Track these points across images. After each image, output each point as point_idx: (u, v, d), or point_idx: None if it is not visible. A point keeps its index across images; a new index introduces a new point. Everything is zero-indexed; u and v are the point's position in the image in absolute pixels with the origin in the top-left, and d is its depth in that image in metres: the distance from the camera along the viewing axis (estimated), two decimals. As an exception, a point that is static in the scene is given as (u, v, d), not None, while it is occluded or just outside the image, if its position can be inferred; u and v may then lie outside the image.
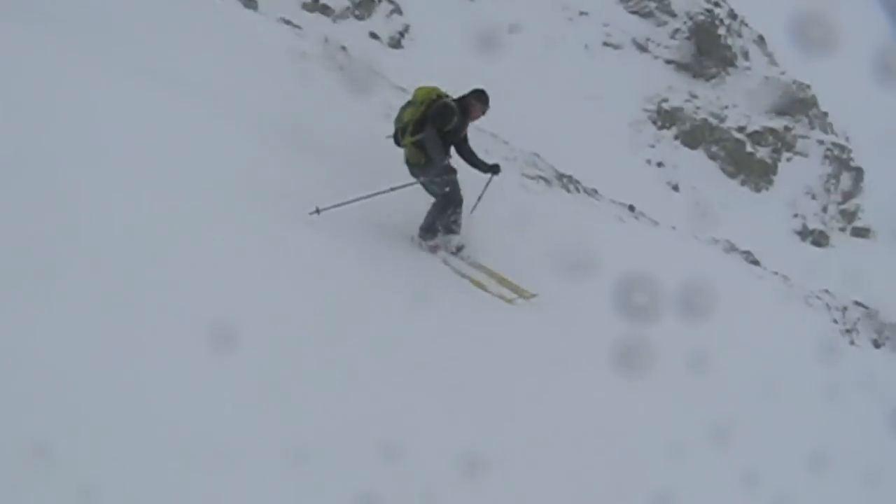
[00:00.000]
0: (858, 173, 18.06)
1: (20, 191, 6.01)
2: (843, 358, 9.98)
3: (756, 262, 12.68)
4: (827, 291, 12.38)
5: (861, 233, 16.28)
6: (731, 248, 12.88)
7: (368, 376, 7.25)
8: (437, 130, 7.49)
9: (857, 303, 12.43)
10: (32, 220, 5.87)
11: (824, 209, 16.35)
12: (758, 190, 16.88)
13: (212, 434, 5.07)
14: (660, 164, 19.03)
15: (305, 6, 19.60)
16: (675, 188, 17.39)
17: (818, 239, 15.78)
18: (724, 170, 18.08)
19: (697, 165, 18.56)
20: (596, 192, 13.86)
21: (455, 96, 7.63)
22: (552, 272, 8.50)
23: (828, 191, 17.31)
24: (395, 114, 8.03)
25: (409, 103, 7.89)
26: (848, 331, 11.56)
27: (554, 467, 6.59)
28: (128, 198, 6.64)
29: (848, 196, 17.48)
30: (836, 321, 11.56)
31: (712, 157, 18.53)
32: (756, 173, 17.68)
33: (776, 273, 12.48)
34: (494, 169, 7.90)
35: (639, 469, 6.63)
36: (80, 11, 9.15)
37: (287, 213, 7.76)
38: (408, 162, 7.84)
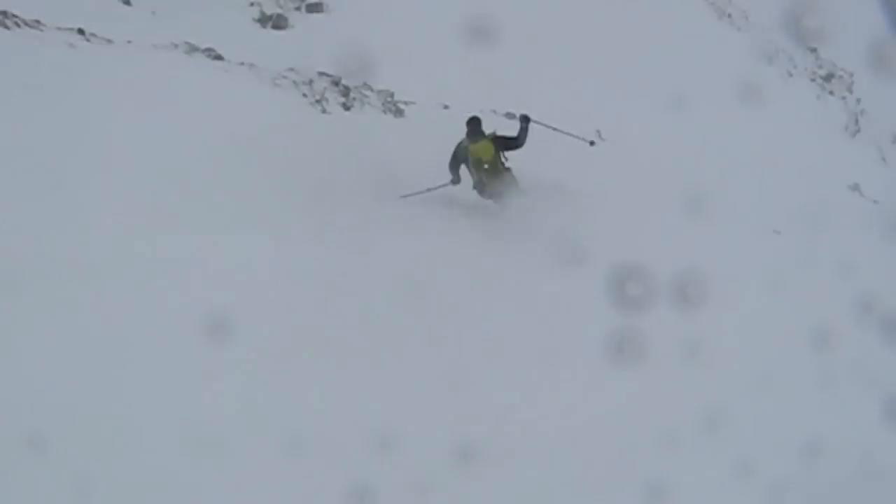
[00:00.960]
0: (299, -47, 18.49)
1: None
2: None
3: (220, 58, 12.72)
4: (293, 70, 12.93)
5: (315, 8, 17.00)
6: (193, 49, 12.73)
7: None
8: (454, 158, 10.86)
9: (321, 73, 13.20)
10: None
11: (277, -7, 16.68)
12: (210, -13, 16.58)
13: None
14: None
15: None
16: (127, 2, 16.39)
17: (278, 22, 16.18)
18: (171, -26, 17.34)
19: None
20: (39, 22, 12.50)
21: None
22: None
23: (273, -25, 17.60)
24: None
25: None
26: (318, 101, 12.33)
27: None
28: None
29: (295, -24, 17.96)
30: (305, 95, 12.23)
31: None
32: (203, -29, 17.26)
33: (242, 63, 12.68)
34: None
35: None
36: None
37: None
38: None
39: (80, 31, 12.47)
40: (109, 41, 12.34)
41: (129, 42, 12.44)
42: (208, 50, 12.66)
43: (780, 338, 8.26)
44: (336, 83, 12.92)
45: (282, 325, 6.51)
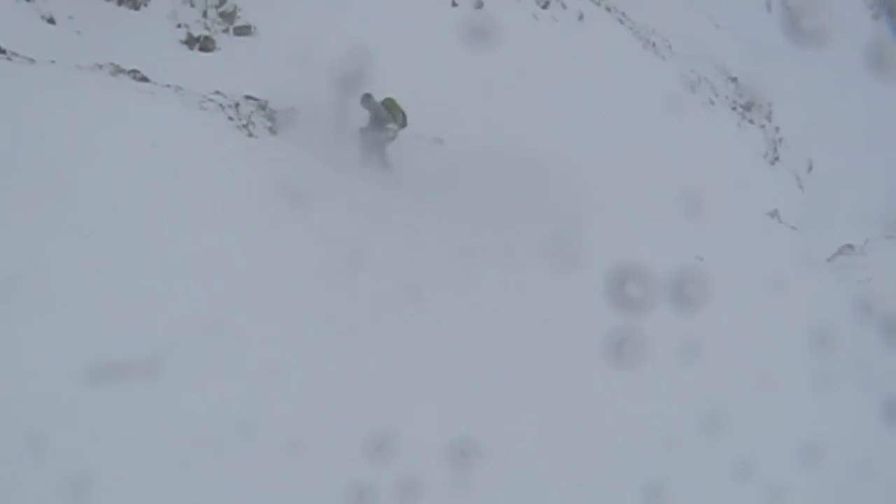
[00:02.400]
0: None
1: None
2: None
3: (146, 79, 12.61)
4: (219, 93, 12.89)
5: (242, 31, 16.97)
6: (118, 71, 12.60)
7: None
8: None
9: (248, 97, 13.19)
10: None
11: (204, 14, 16.59)
12: (136, 8, 16.42)
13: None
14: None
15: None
16: (51, 20, 16.11)
17: (205, 44, 16.10)
18: (96, -7, 17.16)
19: (68, -8, 17.27)
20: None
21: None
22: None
23: (199, -4, 17.54)
24: None
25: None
26: (244, 125, 12.31)
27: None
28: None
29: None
30: (231, 118, 12.20)
31: (78, -18, 17.35)
32: (131, -10, 17.13)
33: (168, 85, 12.60)
34: None
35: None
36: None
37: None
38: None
39: (1, 50, 12.25)
40: (31, 60, 12.14)
41: (53, 62, 12.26)
42: (133, 71, 12.55)
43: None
44: (262, 107, 12.92)
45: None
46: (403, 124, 13.62)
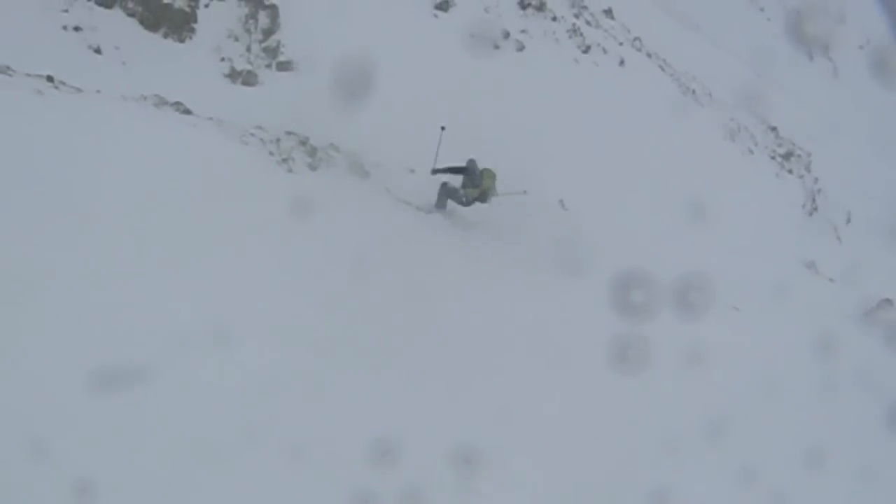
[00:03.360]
0: (274, 10, 18.75)
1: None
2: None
3: (189, 112, 12.72)
4: (260, 127, 12.97)
5: (285, 66, 17.13)
6: (162, 102, 12.72)
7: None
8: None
9: (289, 133, 13.24)
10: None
11: (248, 49, 16.78)
12: (182, 40, 16.64)
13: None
14: (77, 29, 17.69)
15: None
16: (98, 51, 16.36)
17: (248, 79, 16.26)
18: (144, 25, 17.43)
19: (116, 24, 17.60)
20: (9, 67, 12.47)
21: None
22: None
23: (248, 31, 17.74)
24: None
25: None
26: (284, 160, 12.34)
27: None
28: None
29: (268, 33, 18.13)
30: (272, 153, 12.23)
31: (130, 13, 17.69)
32: (177, 24, 17.37)
33: (210, 118, 12.69)
34: None
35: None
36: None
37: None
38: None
39: (50, 79, 12.42)
40: (78, 90, 12.30)
41: (98, 91, 12.41)
42: (177, 104, 12.65)
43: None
44: (303, 142, 12.95)
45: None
46: (484, 199, 14.31)
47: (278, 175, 11.48)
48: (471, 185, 14.25)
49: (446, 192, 14.30)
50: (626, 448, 6.73)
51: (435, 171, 14.25)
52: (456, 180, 14.31)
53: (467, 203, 14.27)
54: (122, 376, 5.30)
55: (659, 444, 6.67)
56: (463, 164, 14.20)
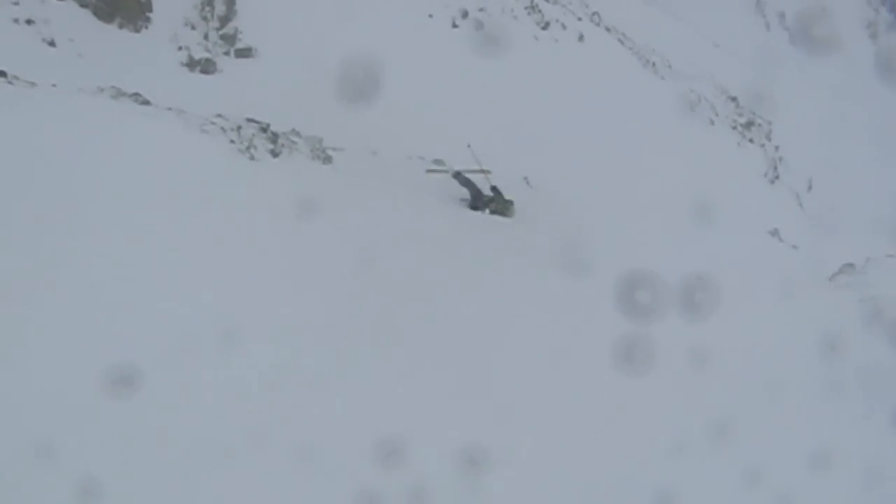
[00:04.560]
0: (231, -2, 18.59)
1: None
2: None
3: (147, 103, 12.60)
4: (220, 116, 12.87)
5: (243, 53, 17.02)
6: (119, 94, 12.59)
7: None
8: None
9: (249, 120, 13.16)
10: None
11: (206, 37, 16.63)
12: (137, 30, 16.46)
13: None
14: (29, 22, 17.45)
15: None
16: (52, 44, 16.14)
17: (206, 67, 16.13)
18: (98, 16, 17.21)
19: (70, 16, 17.36)
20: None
21: None
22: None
23: (205, 18, 17.57)
24: None
25: None
26: (246, 148, 12.27)
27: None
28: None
29: (225, 20, 17.98)
30: (233, 141, 12.16)
31: (83, 4, 17.47)
32: (132, 13, 17.17)
33: (170, 109, 12.59)
34: None
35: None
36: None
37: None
38: None
39: (2, 73, 12.24)
40: (33, 84, 12.13)
41: (54, 85, 12.25)
42: (135, 95, 12.53)
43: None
44: (264, 129, 12.87)
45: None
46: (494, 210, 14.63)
47: (241, 163, 11.41)
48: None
49: (472, 189, 14.55)
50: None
51: (457, 175, 14.53)
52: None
53: (480, 209, 14.53)
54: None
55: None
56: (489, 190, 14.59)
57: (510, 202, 14.55)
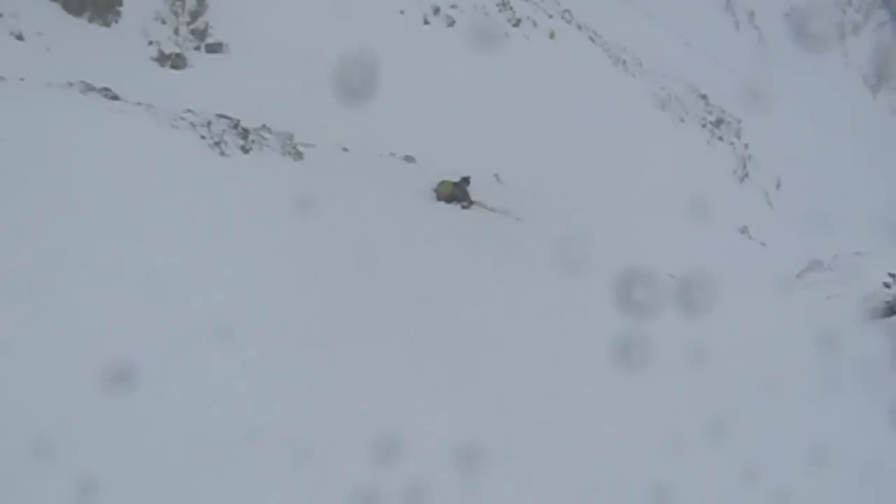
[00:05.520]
0: (202, -8, 18.51)
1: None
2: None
3: (117, 97, 12.53)
4: (190, 111, 12.83)
5: (214, 48, 16.97)
6: (89, 88, 12.52)
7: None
8: None
9: (219, 115, 13.13)
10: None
11: (176, 31, 16.58)
12: (107, 24, 16.37)
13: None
14: (-2, 15, 17.27)
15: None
16: (20, 37, 16.01)
17: (176, 62, 16.07)
18: (67, 10, 17.10)
19: (38, 10, 17.25)
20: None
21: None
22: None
23: (176, 13, 17.52)
24: None
25: None
26: (217, 143, 12.25)
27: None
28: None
29: (196, 15, 17.93)
30: (203, 136, 12.12)
31: (52, -2, 17.36)
32: (101, 7, 17.08)
33: (139, 104, 12.53)
34: None
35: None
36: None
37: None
38: None
39: (-17, 73, 12.17)
40: (1, 78, 12.06)
41: (22, 79, 12.17)
42: (104, 89, 12.47)
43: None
44: (235, 125, 12.84)
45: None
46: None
47: (211, 159, 11.39)
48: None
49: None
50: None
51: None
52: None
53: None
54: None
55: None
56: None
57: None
